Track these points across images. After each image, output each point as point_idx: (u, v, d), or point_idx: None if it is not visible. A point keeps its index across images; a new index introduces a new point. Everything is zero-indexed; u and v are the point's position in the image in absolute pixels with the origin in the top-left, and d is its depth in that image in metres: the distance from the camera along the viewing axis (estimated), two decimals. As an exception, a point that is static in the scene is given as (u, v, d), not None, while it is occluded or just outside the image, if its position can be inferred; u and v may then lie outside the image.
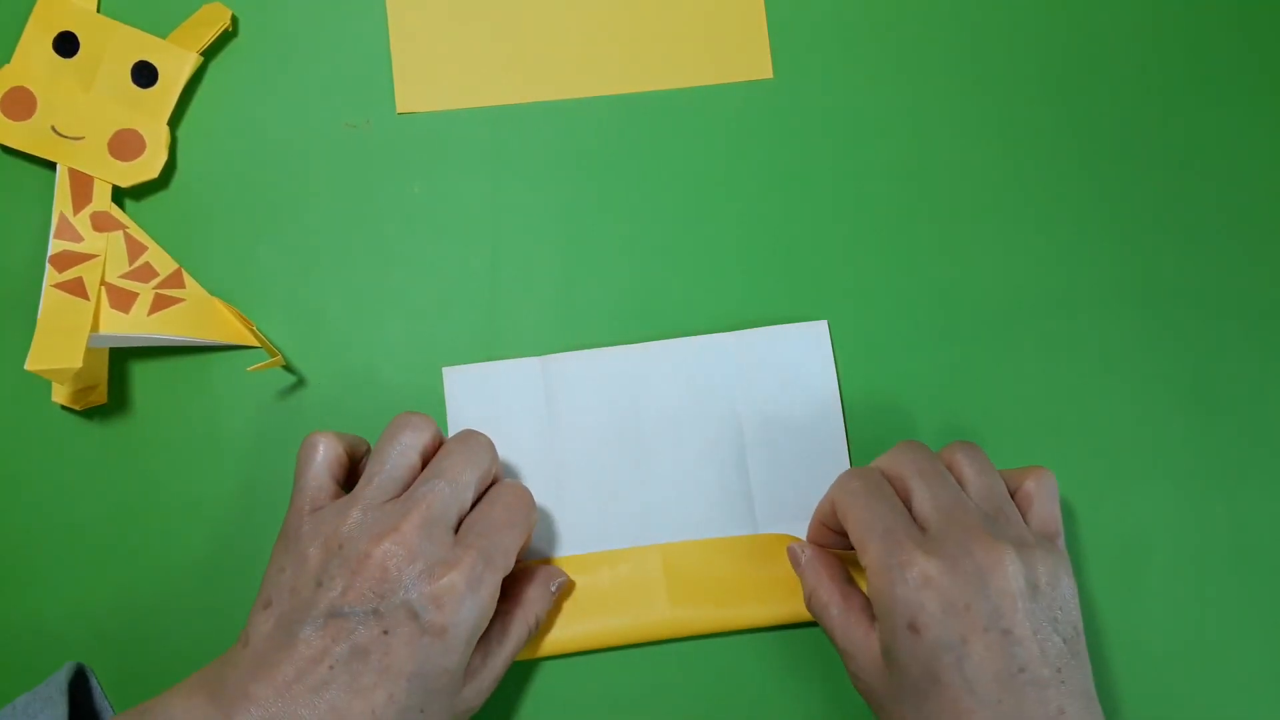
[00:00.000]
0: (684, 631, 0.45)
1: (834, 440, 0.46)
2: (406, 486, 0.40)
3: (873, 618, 0.39)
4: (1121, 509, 0.46)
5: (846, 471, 0.41)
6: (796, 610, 0.45)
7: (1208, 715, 0.45)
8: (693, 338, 0.46)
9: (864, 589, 0.41)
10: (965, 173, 0.48)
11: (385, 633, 0.37)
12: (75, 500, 0.45)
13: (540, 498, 0.45)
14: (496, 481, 0.42)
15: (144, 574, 0.45)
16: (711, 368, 0.46)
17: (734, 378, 0.46)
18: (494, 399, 0.46)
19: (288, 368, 0.46)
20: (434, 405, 0.46)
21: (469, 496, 0.40)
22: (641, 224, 0.47)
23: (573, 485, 0.45)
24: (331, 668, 0.36)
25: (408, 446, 0.40)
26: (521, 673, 0.45)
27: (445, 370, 0.46)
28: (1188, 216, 0.48)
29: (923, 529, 0.38)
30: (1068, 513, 0.46)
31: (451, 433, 0.45)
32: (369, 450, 0.43)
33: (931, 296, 0.47)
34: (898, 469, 0.40)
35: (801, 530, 0.45)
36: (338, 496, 0.40)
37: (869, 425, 0.46)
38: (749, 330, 0.46)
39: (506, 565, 0.39)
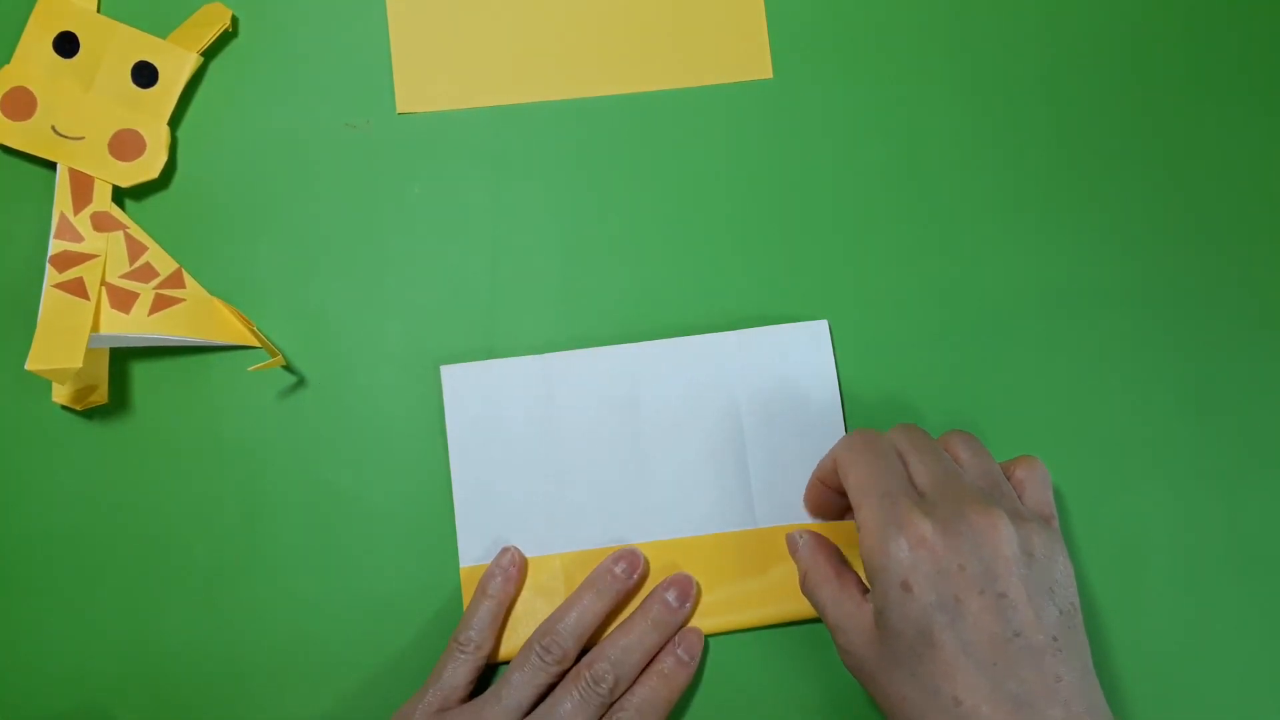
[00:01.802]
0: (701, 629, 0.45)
1: (834, 439, 0.45)
2: (526, 712, 0.42)
3: (865, 592, 0.39)
4: (1121, 508, 0.46)
5: (850, 432, 0.41)
6: (796, 609, 0.45)
7: (1206, 713, 0.45)
8: (693, 337, 0.46)
9: (859, 572, 0.41)
10: (964, 172, 0.48)
11: None
12: (75, 500, 0.45)
13: (540, 496, 0.45)
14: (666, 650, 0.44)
15: (144, 574, 0.45)
16: (712, 366, 0.46)
17: (734, 376, 0.46)
18: (493, 398, 0.46)
19: (288, 368, 0.46)
20: (434, 405, 0.46)
21: None
22: (641, 224, 0.47)
23: (573, 483, 0.45)
24: None
25: (533, 683, 0.42)
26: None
27: (443, 368, 0.46)
28: (1187, 217, 0.48)
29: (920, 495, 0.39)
30: (1067, 510, 0.46)
31: (450, 434, 0.45)
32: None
33: (931, 295, 0.47)
34: (896, 445, 0.40)
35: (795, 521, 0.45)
36: (465, 701, 0.42)
37: (869, 424, 0.46)
38: (749, 329, 0.46)
39: None
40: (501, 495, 0.45)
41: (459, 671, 0.42)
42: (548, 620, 0.43)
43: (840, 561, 0.42)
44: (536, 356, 0.46)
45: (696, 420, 0.46)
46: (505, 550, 0.45)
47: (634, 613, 0.44)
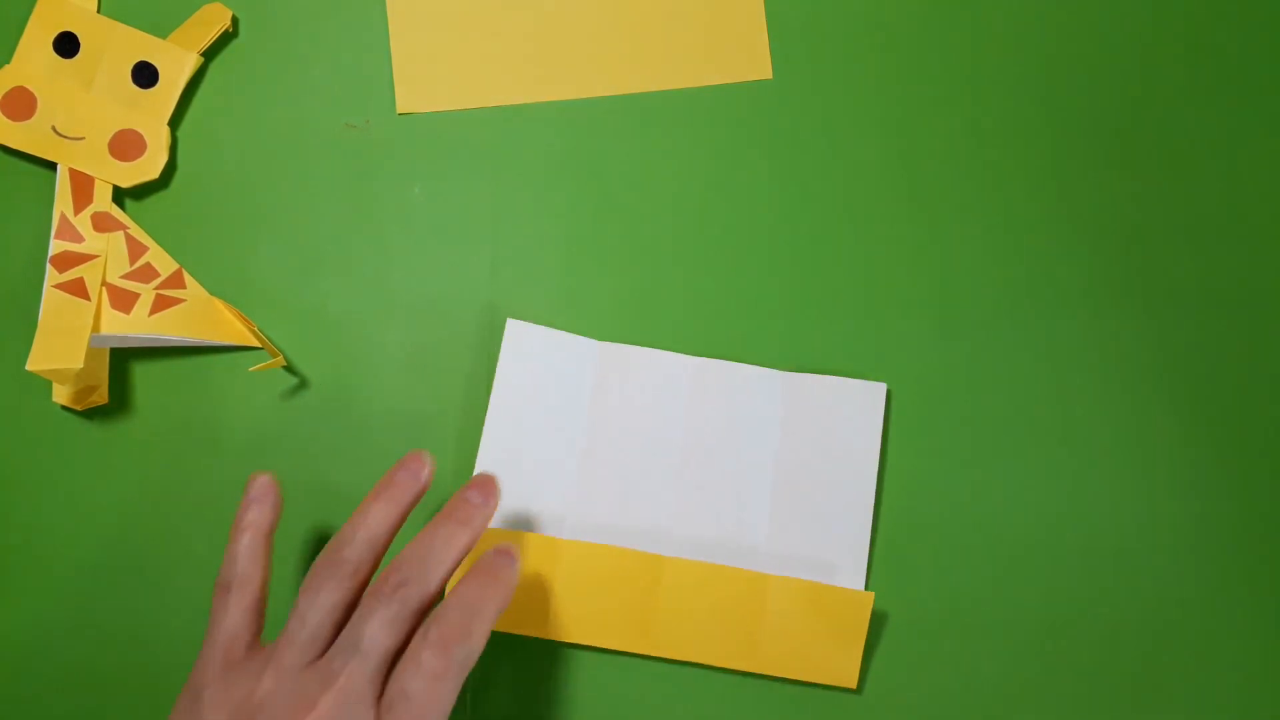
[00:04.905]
0: (665, 652, 0.44)
1: (861, 506, 0.45)
2: (330, 642, 0.37)
3: None
4: (1119, 507, 0.46)
5: None
6: (781, 664, 0.44)
7: (1207, 715, 0.45)
8: (750, 366, 0.46)
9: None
10: (965, 173, 0.48)
11: None
12: (75, 500, 0.45)
13: (563, 479, 0.45)
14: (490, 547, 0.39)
15: (144, 574, 0.45)
16: (760, 401, 0.46)
17: (780, 416, 0.45)
18: (546, 367, 0.46)
19: (289, 368, 0.46)
20: (434, 405, 0.46)
21: (389, 661, 0.37)
22: (640, 225, 0.47)
23: (597, 475, 0.45)
24: None
25: (331, 602, 0.37)
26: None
27: (509, 322, 0.46)
28: (1201, 215, 0.48)
29: None
30: (1074, 510, 0.46)
31: (497, 387, 0.45)
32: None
33: (930, 293, 0.47)
34: None
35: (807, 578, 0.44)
36: (254, 647, 0.38)
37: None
38: (806, 375, 0.46)
39: None
40: (525, 465, 0.45)
41: (230, 616, 0.38)
42: (334, 538, 0.39)
43: None
44: (596, 341, 0.46)
45: (732, 449, 0.45)
46: (254, 478, 0.41)
47: (435, 517, 0.40)
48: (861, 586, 0.45)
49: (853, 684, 0.44)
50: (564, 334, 0.46)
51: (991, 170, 0.48)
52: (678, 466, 0.45)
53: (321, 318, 0.47)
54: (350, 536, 0.38)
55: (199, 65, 0.47)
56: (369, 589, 0.37)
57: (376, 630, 0.36)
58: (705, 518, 0.45)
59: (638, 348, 0.46)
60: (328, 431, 0.46)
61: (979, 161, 0.48)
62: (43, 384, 0.45)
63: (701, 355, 0.46)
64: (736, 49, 0.48)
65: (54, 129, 0.46)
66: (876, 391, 0.46)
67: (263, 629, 0.39)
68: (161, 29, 0.47)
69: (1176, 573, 0.46)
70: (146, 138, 0.46)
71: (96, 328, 0.44)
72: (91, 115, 0.46)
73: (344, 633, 0.37)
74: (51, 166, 0.46)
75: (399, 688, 0.36)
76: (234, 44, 0.48)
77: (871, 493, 0.45)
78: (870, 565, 0.45)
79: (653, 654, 0.44)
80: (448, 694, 0.36)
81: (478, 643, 0.37)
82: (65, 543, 0.45)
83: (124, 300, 0.45)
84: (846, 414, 0.46)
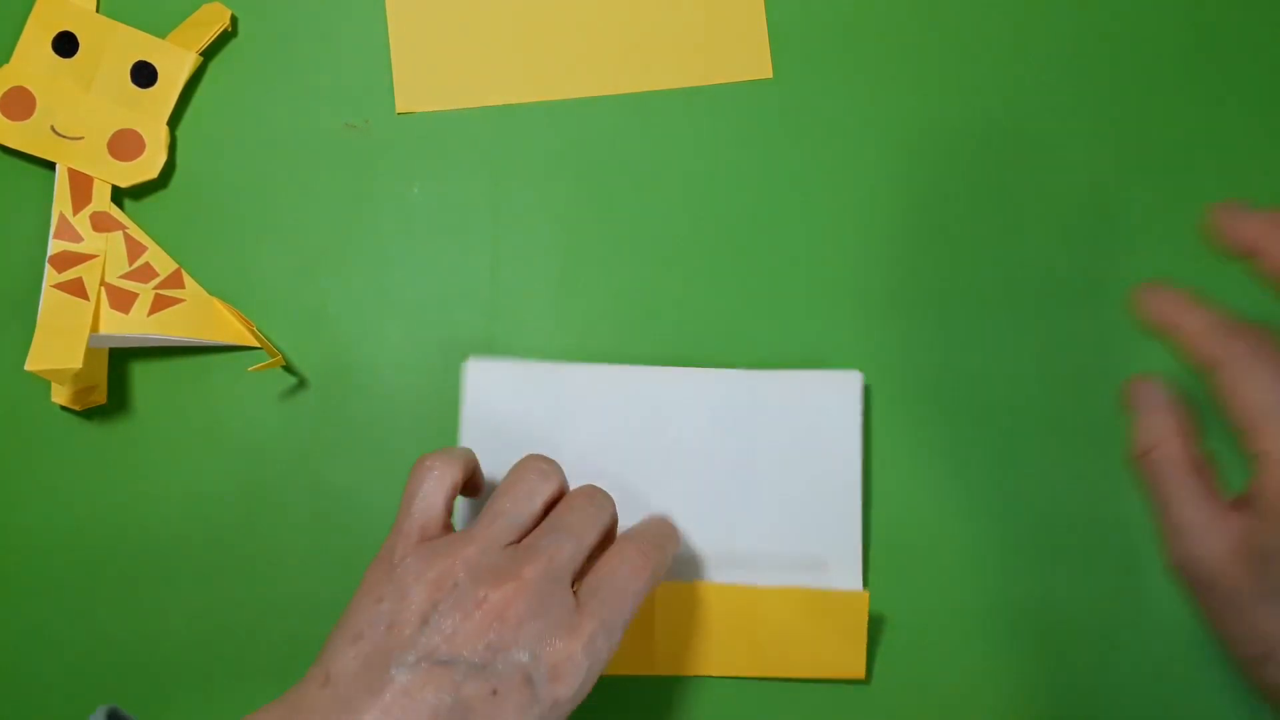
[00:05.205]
0: (671, 671, 0.44)
1: (849, 499, 0.45)
2: (526, 533, 0.37)
3: (1230, 504, 0.35)
4: (1113, 500, 0.46)
5: (1218, 326, 0.34)
6: (779, 670, 0.44)
7: (1207, 713, 0.45)
8: (721, 370, 0.45)
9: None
10: (966, 173, 0.48)
11: (495, 693, 0.33)
12: (75, 500, 0.45)
13: None
14: (614, 536, 0.39)
15: (144, 574, 0.45)
16: (735, 404, 0.45)
17: (755, 419, 0.45)
18: (513, 398, 0.45)
19: (288, 368, 0.46)
20: (435, 406, 0.46)
21: (586, 555, 0.37)
22: (641, 225, 0.47)
23: None
24: None
25: (536, 492, 0.38)
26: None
27: (470, 360, 0.45)
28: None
29: None
30: (1067, 505, 0.46)
31: (464, 428, 0.45)
32: (480, 477, 0.41)
33: (931, 296, 0.47)
34: None
35: (795, 582, 0.44)
36: (448, 529, 0.38)
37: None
38: (779, 371, 0.45)
39: (619, 640, 0.37)
40: None
41: (434, 492, 0.37)
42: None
43: (1198, 451, 0.35)
44: (561, 364, 0.45)
45: (710, 457, 0.45)
46: None
47: None
48: (857, 580, 0.44)
49: (860, 674, 0.44)
50: (527, 364, 0.45)
51: (990, 168, 0.48)
52: (659, 480, 0.45)
53: (321, 318, 0.47)
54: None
55: (198, 65, 0.47)
56: (572, 490, 0.39)
57: (581, 519, 0.37)
58: (693, 528, 0.44)
59: (603, 365, 0.45)
60: (328, 431, 0.46)
61: (978, 160, 0.48)
62: (42, 384, 0.45)
63: (701, 354, 0.46)
64: (736, 49, 0.48)
65: (53, 129, 0.46)
66: (852, 380, 0.45)
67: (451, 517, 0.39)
68: (161, 29, 0.47)
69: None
70: (145, 137, 0.46)
71: (95, 328, 0.44)
72: (90, 115, 0.46)
73: (548, 519, 0.37)
74: (50, 166, 0.46)
75: (598, 576, 0.37)
76: (233, 44, 0.48)
77: (858, 483, 0.45)
78: (866, 562, 0.45)
79: (658, 674, 0.44)
80: (640, 593, 0.37)
81: (667, 562, 0.39)
82: (65, 543, 0.45)
83: (123, 300, 0.45)
84: (824, 406, 0.45)
